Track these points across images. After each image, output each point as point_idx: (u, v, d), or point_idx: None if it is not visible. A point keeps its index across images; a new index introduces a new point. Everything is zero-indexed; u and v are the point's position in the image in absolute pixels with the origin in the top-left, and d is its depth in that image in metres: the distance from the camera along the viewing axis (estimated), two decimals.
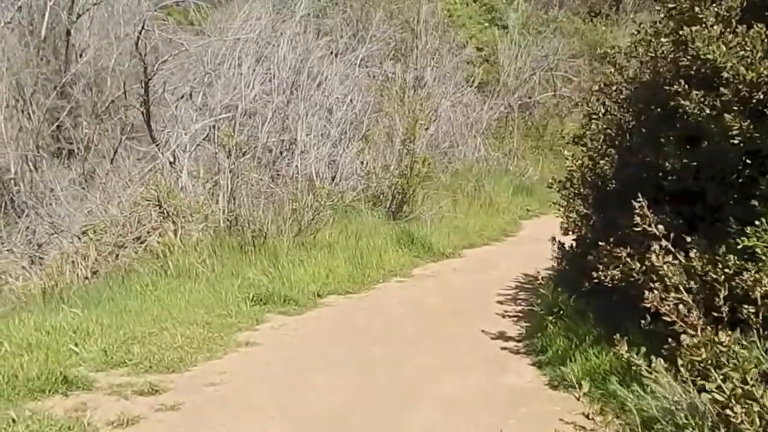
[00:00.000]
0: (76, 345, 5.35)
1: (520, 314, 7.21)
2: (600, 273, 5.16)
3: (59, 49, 13.72)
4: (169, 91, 11.38)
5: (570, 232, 6.12)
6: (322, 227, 8.90)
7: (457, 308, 7.46)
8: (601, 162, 5.64)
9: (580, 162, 6.28)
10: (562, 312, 5.97)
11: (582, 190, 6.12)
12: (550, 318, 6.01)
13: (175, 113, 10.05)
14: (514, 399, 4.88)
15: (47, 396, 4.65)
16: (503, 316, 7.13)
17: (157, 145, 10.01)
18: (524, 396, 4.95)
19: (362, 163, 10.96)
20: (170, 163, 9.35)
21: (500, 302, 7.68)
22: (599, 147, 6.02)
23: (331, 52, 11.60)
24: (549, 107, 21.50)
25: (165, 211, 8.38)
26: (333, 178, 10.42)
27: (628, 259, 4.54)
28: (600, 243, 5.52)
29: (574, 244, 6.44)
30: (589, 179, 6.00)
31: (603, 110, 6.23)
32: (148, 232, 8.19)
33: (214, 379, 5.09)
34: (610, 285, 5.22)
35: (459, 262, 9.90)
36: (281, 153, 9.82)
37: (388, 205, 10.91)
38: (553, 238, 7.25)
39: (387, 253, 9.42)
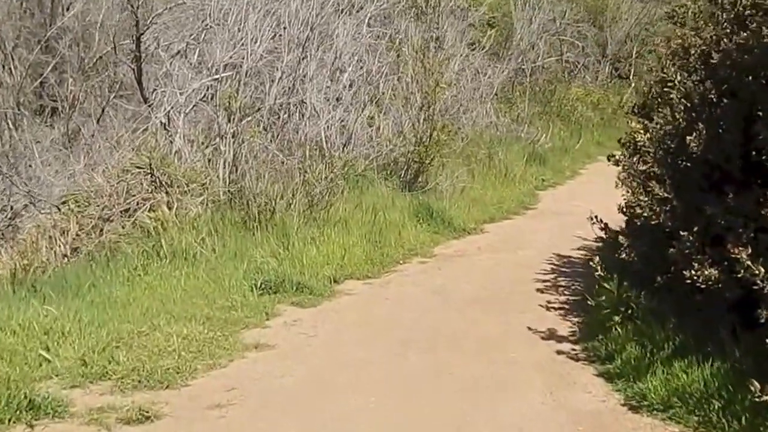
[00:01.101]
0: (48, 350, 4.39)
1: (567, 306, 6.33)
2: (695, 272, 4.24)
3: (44, 1, 12.69)
4: (163, 48, 10.30)
5: (641, 218, 5.16)
6: (335, 201, 7.92)
7: (493, 297, 6.56)
8: (688, 138, 4.67)
9: (651, 135, 5.32)
10: (631, 311, 5.06)
11: (657, 169, 5.16)
12: (616, 318, 5.11)
13: (170, 71, 8.98)
14: (593, 428, 3.97)
15: (6, 428, 3.68)
16: (547, 308, 6.26)
17: (149, 106, 8.97)
18: (603, 423, 4.04)
19: (377, 128, 9.95)
20: (163, 125, 8.32)
21: (540, 290, 6.81)
22: (678, 119, 5.05)
23: (341, 10, 10.51)
24: (557, 72, 20.56)
25: (157, 180, 7.39)
26: (344, 145, 9.40)
27: (750, 262, 3.60)
28: (682, 233, 4.62)
29: (640, 232, 5.49)
30: (668, 158, 5.04)
31: (679, 77, 5.25)
32: (138, 205, 7.20)
33: (219, 398, 4.15)
34: (703, 286, 4.32)
35: (482, 239, 8.97)
36: (289, 117, 8.78)
37: (402, 175, 9.94)
38: (595, 217, 6.39)
39: (405, 229, 8.50)
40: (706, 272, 4.17)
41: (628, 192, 5.55)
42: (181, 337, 4.87)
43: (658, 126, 5.18)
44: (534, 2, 17.36)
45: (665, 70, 5.41)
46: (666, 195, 4.86)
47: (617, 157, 6.28)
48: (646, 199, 5.07)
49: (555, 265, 7.68)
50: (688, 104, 5.13)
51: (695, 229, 4.57)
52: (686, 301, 4.81)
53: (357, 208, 8.36)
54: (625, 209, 5.72)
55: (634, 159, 5.60)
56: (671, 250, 4.63)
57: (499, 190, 11.49)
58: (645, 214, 4.99)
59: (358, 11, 11.50)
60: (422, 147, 9.74)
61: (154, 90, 9.51)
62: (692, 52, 5.39)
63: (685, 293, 4.72)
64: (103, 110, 10.55)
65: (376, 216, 8.42)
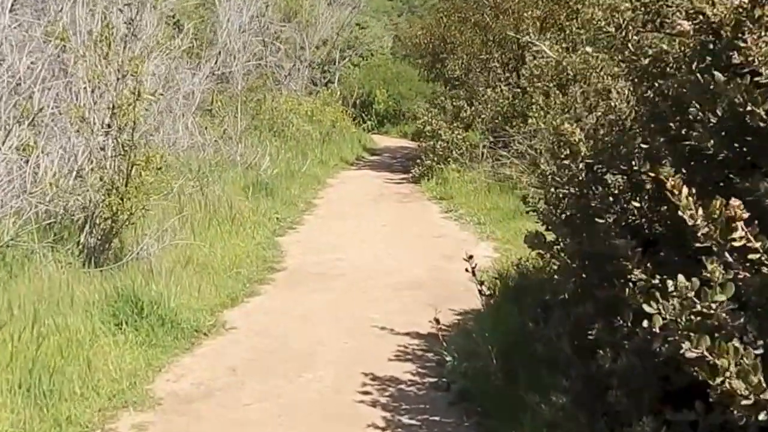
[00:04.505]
0: None
1: None
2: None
3: None
4: None
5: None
6: None
7: None
8: None
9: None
10: None
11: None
12: None
13: None
14: None
15: None
16: None
17: None
18: None
19: (35, 165, 5.99)
20: None
21: None
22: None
23: None
24: (264, 78, 17.54)
25: None
26: None
27: None
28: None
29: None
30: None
31: None
32: None
33: None
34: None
35: (231, 347, 5.51)
36: None
37: (84, 241, 6.11)
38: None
39: (98, 350, 4.79)
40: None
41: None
42: None
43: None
44: None
45: None
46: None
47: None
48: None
49: (384, 407, 4.47)
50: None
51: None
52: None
53: None
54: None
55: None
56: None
57: (228, 243, 8.08)
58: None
59: None
60: (115, 194, 5.98)
61: None
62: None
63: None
64: None
65: (37, 326, 4.63)
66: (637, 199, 3.24)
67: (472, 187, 10.93)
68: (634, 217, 3.29)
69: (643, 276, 2.82)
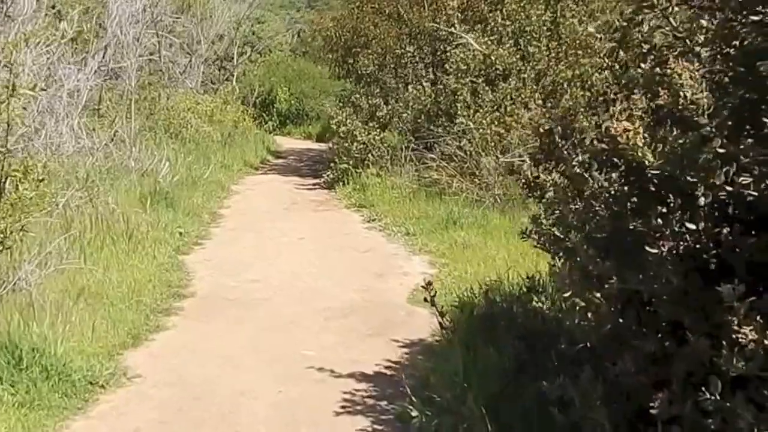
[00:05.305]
0: None
1: None
2: None
3: None
4: None
5: None
6: None
7: None
8: None
9: None
10: None
11: None
12: None
13: None
14: None
15: None
16: None
17: None
18: None
19: None
20: None
21: None
22: None
23: None
24: (161, 74, 16.29)
25: None
26: None
27: None
28: None
29: None
30: None
31: None
32: None
33: None
34: None
35: (136, 407, 4.44)
36: None
37: None
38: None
39: None
40: None
41: None
42: None
43: None
44: None
45: None
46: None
47: None
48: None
49: None
50: None
51: None
52: None
53: None
54: None
55: None
56: None
57: (126, 265, 6.98)
58: None
59: None
60: None
61: None
62: None
63: None
64: None
65: None
66: (695, 220, 2.44)
67: (395, 193, 10.06)
68: (687, 244, 2.49)
69: (754, 335, 2.01)
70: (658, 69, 2.80)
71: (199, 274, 7.30)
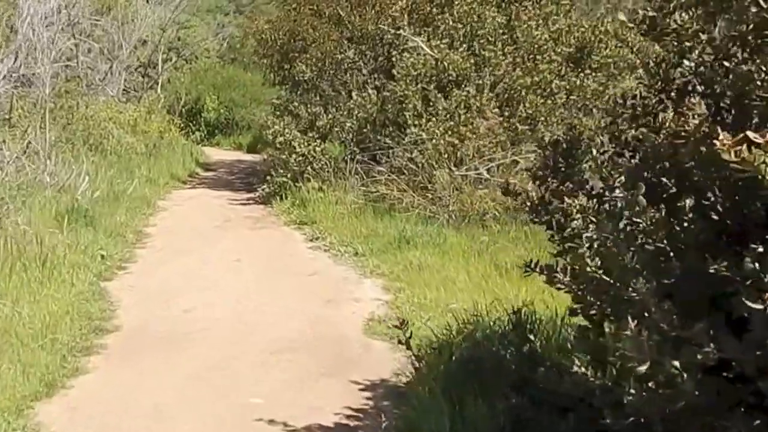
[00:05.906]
0: None
1: None
2: None
3: None
4: None
5: None
6: None
7: None
8: None
9: None
10: None
11: None
12: None
13: None
14: None
15: None
16: None
17: None
18: None
19: None
20: None
21: None
22: None
23: None
24: (79, 81, 15.24)
25: None
26: None
27: None
28: None
29: None
30: None
31: None
32: None
33: None
34: None
35: None
36: None
37: None
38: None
39: None
40: None
41: None
42: None
43: None
44: None
45: None
46: None
47: None
48: None
49: None
50: None
51: None
52: None
53: None
54: None
55: None
56: None
57: (39, 295, 6.19)
58: None
59: None
60: None
61: None
62: None
63: None
64: None
65: None
66: None
67: (340, 209, 9.35)
68: None
69: None
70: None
71: (124, 303, 6.46)
